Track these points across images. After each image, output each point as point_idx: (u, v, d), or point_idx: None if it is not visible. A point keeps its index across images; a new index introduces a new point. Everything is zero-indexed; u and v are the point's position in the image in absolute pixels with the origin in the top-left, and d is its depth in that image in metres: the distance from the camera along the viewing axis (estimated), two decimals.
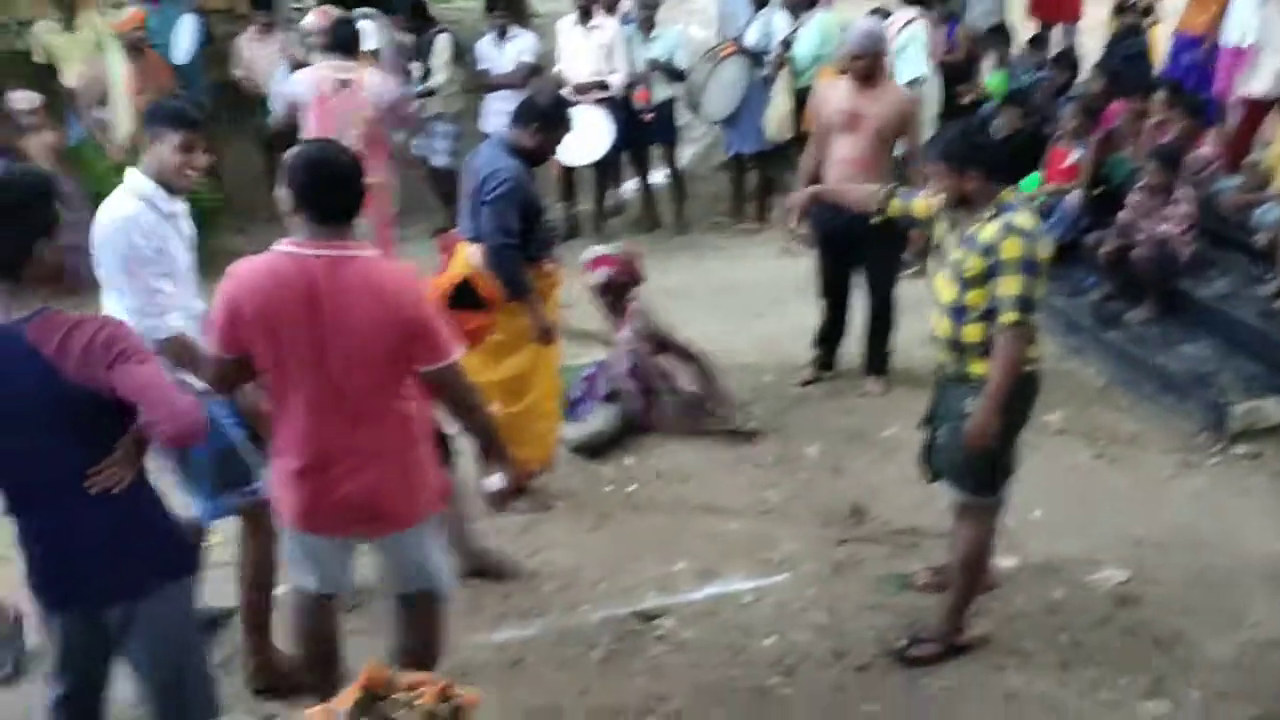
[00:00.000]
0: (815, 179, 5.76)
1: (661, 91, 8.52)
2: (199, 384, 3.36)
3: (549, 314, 4.67)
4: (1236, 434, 5.34)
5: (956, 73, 8.73)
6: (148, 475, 2.86)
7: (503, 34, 8.37)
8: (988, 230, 3.55)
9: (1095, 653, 3.93)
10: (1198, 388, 5.65)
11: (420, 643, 3.32)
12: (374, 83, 6.36)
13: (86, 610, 2.80)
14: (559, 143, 4.64)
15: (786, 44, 8.31)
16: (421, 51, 8.51)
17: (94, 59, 7.74)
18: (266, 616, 3.77)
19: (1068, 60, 9.21)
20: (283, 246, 2.94)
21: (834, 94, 5.83)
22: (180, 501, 3.65)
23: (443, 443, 4.13)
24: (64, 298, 2.71)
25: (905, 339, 6.08)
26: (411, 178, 8.21)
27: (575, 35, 8.34)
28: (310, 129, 6.29)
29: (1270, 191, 6.39)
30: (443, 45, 8.46)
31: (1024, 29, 10.26)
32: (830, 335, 6.20)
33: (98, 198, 3.53)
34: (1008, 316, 3.51)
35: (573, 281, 5.60)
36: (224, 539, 3.99)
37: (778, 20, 8.50)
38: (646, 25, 8.53)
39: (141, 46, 7.64)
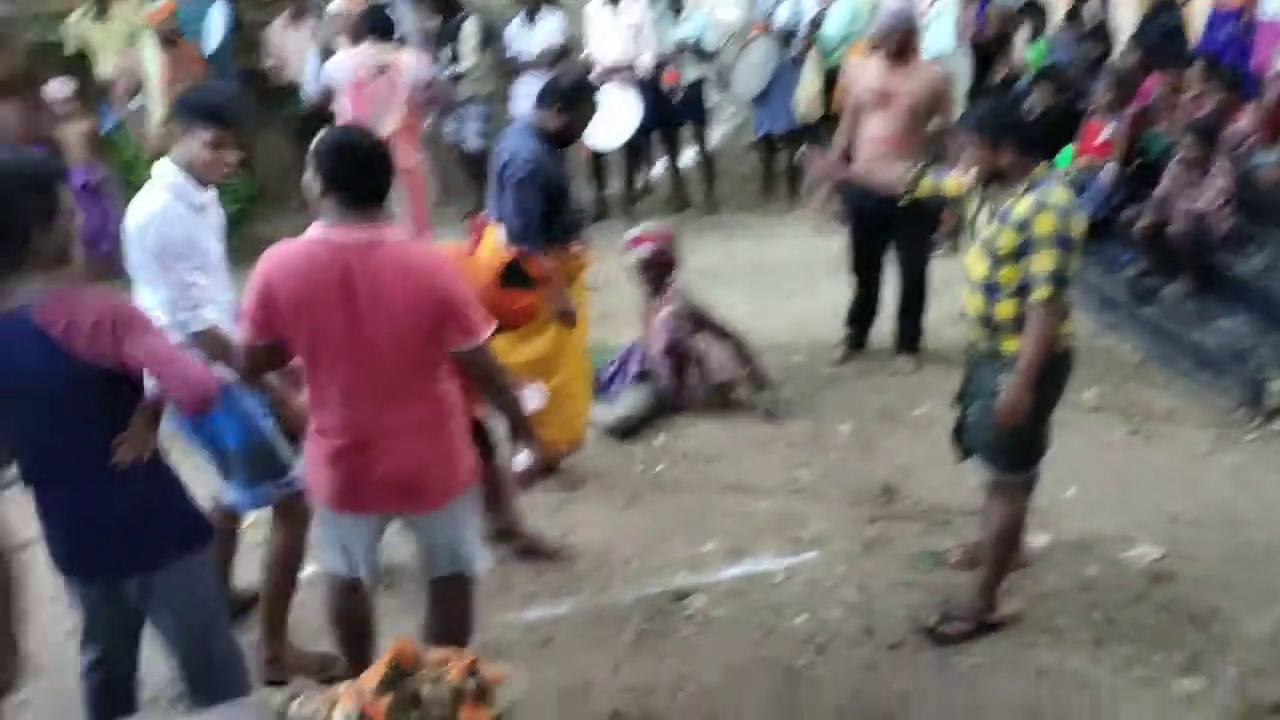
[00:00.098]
0: (847, 158, 5.74)
1: (691, 72, 8.50)
2: (231, 376, 3.40)
3: (574, 296, 4.68)
4: (1273, 410, 5.28)
5: (987, 51, 8.65)
6: (161, 450, 2.89)
7: (531, 16, 8.36)
8: (1021, 206, 3.51)
9: (1129, 630, 3.90)
10: (1234, 363, 5.59)
11: (451, 623, 3.34)
12: (411, 66, 6.38)
13: (104, 581, 2.86)
14: (585, 123, 4.63)
15: (816, 23, 8.27)
16: (450, 36, 8.53)
17: (127, 50, 7.82)
18: (284, 611, 3.77)
19: (1102, 34, 9.10)
20: (315, 232, 2.95)
21: (865, 72, 5.80)
22: (213, 489, 3.71)
23: (482, 431, 4.16)
24: (102, 284, 2.74)
25: (936, 317, 6.05)
26: (444, 161, 8.24)
27: (604, 16, 8.33)
28: (346, 114, 6.33)
29: None
30: (470, 29, 8.48)
31: (1059, 3, 10.13)
32: (862, 314, 6.18)
33: (131, 186, 3.54)
34: (1041, 292, 3.48)
35: (603, 263, 5.62)
36: (256, 521, 4.04)
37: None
38: (675, 6, 8.51)
39: (174, 37, 7.71)
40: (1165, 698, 3.59)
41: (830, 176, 4.58)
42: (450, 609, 3.36)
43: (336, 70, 6.40)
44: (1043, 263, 3.46)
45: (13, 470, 2.79)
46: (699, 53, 8.43)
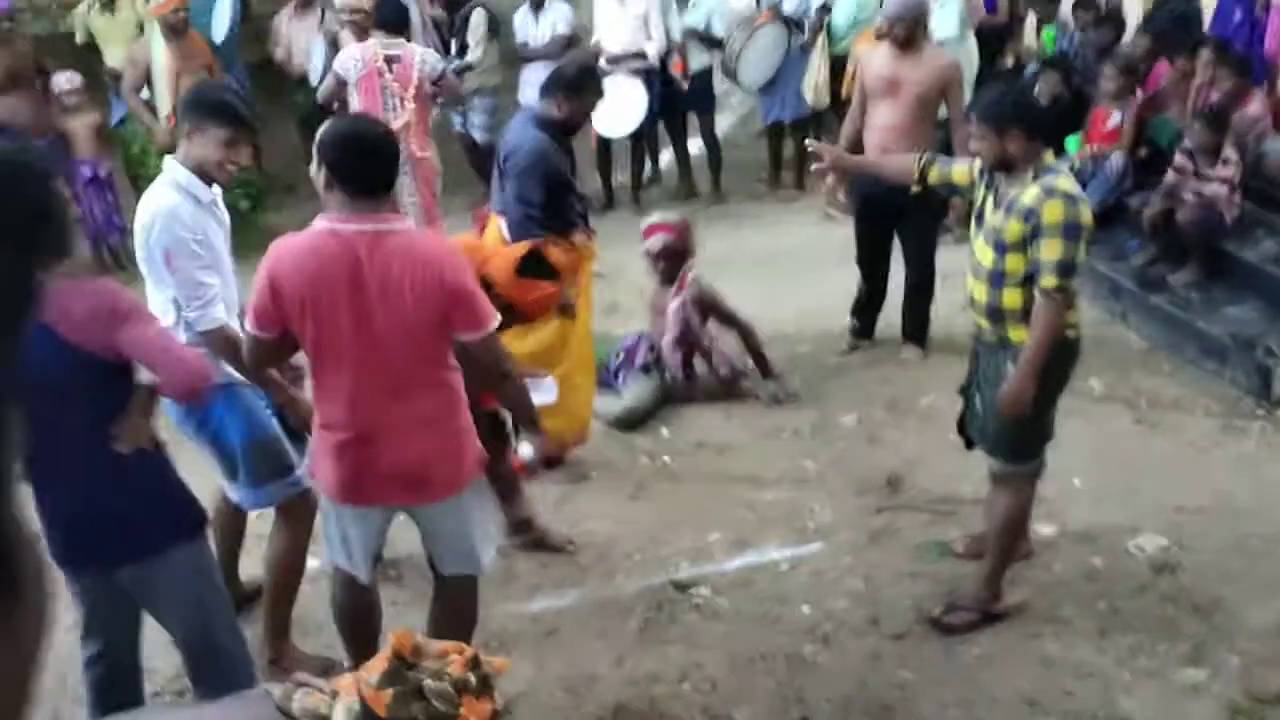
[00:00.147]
0: (856, 146, 5.72)
1: (698, 60, 8.47)
2: (240, 376, 3.40)
3: (575, 288, 4.68)
4: None
5: (996, 36, 8.60)
6: (157, 439, 2.91)
7: (538, 5, 8.35)
8: (1028, 194, 3.50)
9: (1134, 620, 3.90)
10: (1242, 351, 5.56)
11: (456, 616, 3.36)
12: (420, 58, 6.38)
13: (99, 572, 2.88)
14: (589, 111, 4.63)
15: (824, 10, 8.23)
16: (457, 27, 8.52)
17: (137, 41, 7.83)
18: (287, 612, 3.77)
19: (1113, 20, 9.03)
20: (322, 223, 2.95)
21: (874, 60, 5.77)
22: (219, 480, 3.72)
23: (497, 423, 4.18)
24: (108, 277, 2.75)
25: (944, 307, 6.04)
26: (451, 153, 8.24)
27: (611, 5, 8.30)
28: (357, 106, 6.34)
29: None
30: (478, 20, 8.45)
31: None
32: (868, 304, 6.17)
33: (141, 180, 3.55)
34: (1047, 281, 3.47)
35: (611, 253, 5.61)
36: (264, 513, 4.06)
37: None
38: None
39: (182, 28, 7.71)
40: (1169, 688, 3.59)
41: (838, 170, 4.55)
42: (455, 603, 3.38)
43: (347, 64, 6.38)
44: (1049, 251, 3.45)
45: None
46: (706, 40, 8.40)
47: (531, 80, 8.14)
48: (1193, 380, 5.64)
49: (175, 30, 7.38)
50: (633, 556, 4.42)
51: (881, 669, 3.75)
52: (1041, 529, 4.33)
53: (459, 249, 3.80)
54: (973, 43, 7.84)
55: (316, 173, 3.02)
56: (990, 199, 3.68)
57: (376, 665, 2.11)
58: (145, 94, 7.61)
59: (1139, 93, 7.27)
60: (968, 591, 3.96)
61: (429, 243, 3.06)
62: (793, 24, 8.33)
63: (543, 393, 4.04)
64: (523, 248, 3.99)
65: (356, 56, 6.34)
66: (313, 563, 3.87)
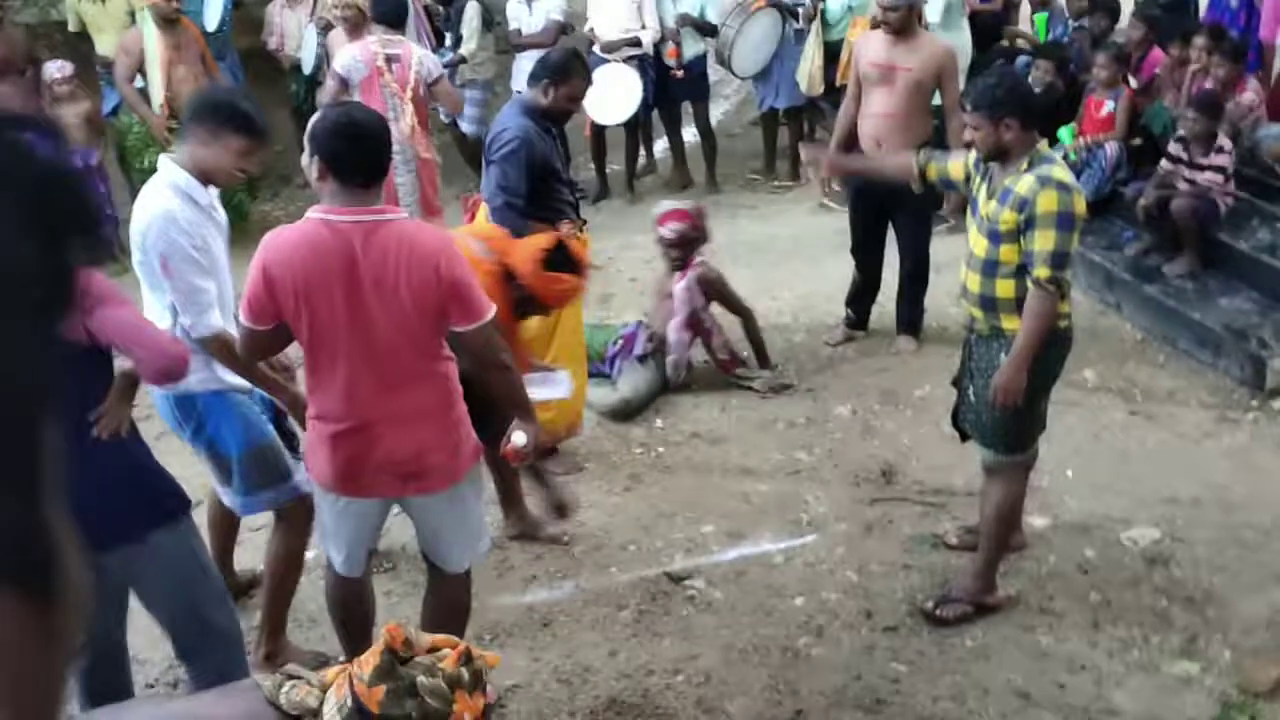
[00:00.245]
0: (851, 133, 5.70)
1: (692, 48, 8.45)
2: (239, 381, 3.38)
3: None
4: (1275, 388, 5.25)
5: (991, 24, 8.58)
6: (134, 425, 2.91)
7: None
8: (1023, 183, 3.49)
9: (1126, 612, 3.91)
10: (1236, 342, 5.56)
11: (449, 610, 3.35)
12: (419, 57, 6.31)
13: (86, 557, 2.87)
14: (578, 97, 4.61)
15: None
16: (451, 20, 8.48)
17: (129, 29, 7.78)
18: (284, 612, 3.76)
19: (1108, 8, 9.01)
20: (316, 214, 2.93)
21: (869, 47, 5.75)
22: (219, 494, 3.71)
23: (498, 414, 4.16)
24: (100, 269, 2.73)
25: (938, 297, 6.03)
26: (442, 143, 8.21)
27: None
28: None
29: None
30: (472, 13, 8.41)
31: None
32: (863, 294, 6.16)
33: (132, 171, 3.51)
34: (1040, 272, 3.46)
35: (605, 242, 5.59)
36: None
37: None
38: None
39: (174, 17, 7.66)
40: (1161, 680, 3.59)
41: (835, 171, 4.54)
42: (449, 595, 3.38)
43: (349, 65, 6.26)
44: (1042, 241, 3.45)
45: None
46: (701, 27, 8.37)
47: (525, 69, 8.10)
48: (1186, 371, 5.64)
49: (168, 19, 7.34)
50: (627, 548, 4.42)
51: (874, 661, 3.76)
52: (1034, 521, 4.33)
53: (475, 239, 3.79)
54: (967, 31, 7.83)
55: (309, 163, 3.00)
56: (984, 188, 3.68)
57: (369, 660, 2.10)
58: (139, 83, 7.57)
59: (1131, 80, 7.25)
60: (961, 583, 3.96)
61: (424, 233, 3.04)
62: (787, 11, 8.30)
63: (556, 387, 4.03)
64: (545, 239, 3.97)
65: (358, 57, 6.23)
66: (308, 554, 3.87)
